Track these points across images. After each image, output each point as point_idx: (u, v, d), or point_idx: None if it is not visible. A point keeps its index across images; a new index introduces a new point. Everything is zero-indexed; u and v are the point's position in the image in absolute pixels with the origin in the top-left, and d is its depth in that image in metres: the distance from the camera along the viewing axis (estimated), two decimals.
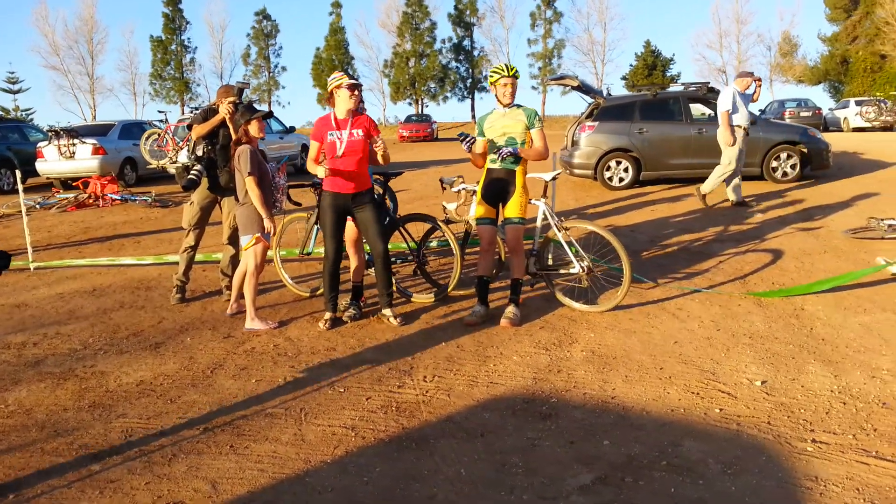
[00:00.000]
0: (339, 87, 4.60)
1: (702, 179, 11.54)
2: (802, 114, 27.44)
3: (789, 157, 10.72)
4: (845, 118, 27.60)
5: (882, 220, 6.88)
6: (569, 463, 2.92)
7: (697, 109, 11.65)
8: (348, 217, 4.78)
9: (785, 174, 10.78)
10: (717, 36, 55.16)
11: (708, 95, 11.41)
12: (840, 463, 2.84)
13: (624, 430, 3.19)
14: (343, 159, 4.60)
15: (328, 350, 4.36)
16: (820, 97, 60.90)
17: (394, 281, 5.26)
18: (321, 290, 5.52)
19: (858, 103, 26.75)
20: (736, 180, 9.02)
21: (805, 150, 10.74)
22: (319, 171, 4.46)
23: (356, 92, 4.63)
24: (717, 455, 2.93)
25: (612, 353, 4.17)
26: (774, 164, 10.76)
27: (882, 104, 29.67)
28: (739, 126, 8.84)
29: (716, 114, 11.85)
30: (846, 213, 8.35)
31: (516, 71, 4.78)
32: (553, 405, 3.48)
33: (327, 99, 4.80)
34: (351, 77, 4.65)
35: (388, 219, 5.18)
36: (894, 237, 6.65)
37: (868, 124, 27.34)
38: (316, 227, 5.58)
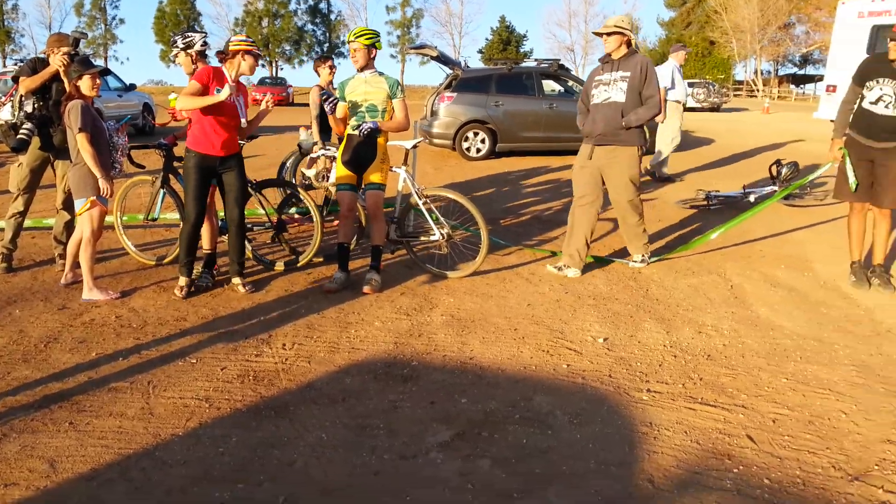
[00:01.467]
0: (249, 52, 4.41)
1: (554, 153, 12.09)
2: None
3: None
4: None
5: (709, 191, 7.61)
6: (429, 422, 3.00)
7: (549, 85, 12.16)
8: (212, 181, 4.56)
9: None
10: (567, 15, 57.78)
11: (559, 72, 11.94)
12: (671, 409, 3.15)
13: (481, 389, 3.32)
14: (227, 121, 4.40)
15: (178, 320, 4.13)
16: None
17: (249, 248, 5.09)
18: (168, 258, 5.22)
19: (691, 85, 29.19)
20: (665, 156, 9.36)
21: (644, 127, 11.56)
22: (223, 94, 4.18)
23: (258, 63, 4.55)
24: (564, 407, 3.14)
25: (471, 316, 4.31)
26: None
27: (710, 87, 32.67)
28: (678, 102, 9.09)
29: (566, 90, 12.47)
30: (678, 185, 9.14)
31: (369, 35, 4.65)
32: (414, 368, 3.54)
33: (221, 55, 4.53)
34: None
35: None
36: (718, 206, 7.39)
37: (699, 105, 29.96)
38: (162, 191, 5.23)
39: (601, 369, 3.56)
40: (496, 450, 2.78)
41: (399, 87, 4.79)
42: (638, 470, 2.66)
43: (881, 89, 4.70)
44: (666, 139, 9.20)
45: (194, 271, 4.67)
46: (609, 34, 4.94)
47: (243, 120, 4.52)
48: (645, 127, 5.18)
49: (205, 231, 4.84)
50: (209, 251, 4.88)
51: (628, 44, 4.98)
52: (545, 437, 2.88)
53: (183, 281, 4.54)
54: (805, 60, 58.07)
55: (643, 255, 5.33)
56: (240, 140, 4.99)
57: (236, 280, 4.66)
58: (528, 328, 4.12)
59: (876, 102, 4.73)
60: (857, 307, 4.55)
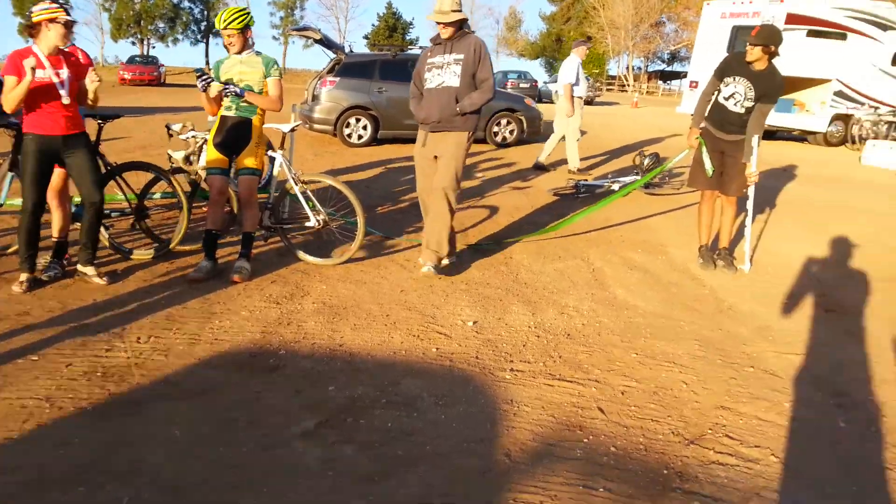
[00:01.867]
0: (53, 21, 3.97)
1: None
2: (522, 85, 30.27)
3: (509, 123, 11.81)
4: (556, 91, 31.17)
5: (578, 181, 7.97)
6: (294, 411, 2.95)
7: None
8: (55, 164, 4.19)
9: (504, 139, 11.86)
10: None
11: None
12: (532, 387, 3.28)
13: (349, 375, 3.30)
14: (56, 100, 4.03)
15: (20, 315, 3.81)
16: (537, 71, 67.94)
17: (105, 236, 4.77)
18: (14, 248, 4.79)
19: None
20: (553, 146, 9.63)
21: (522, 118, 11.92)
22: (27, 78, 3.81)
23: (71, 31, 4.12)
24: (431, 389, 3.19)
25: (343, 303, 4.27)
26: (496, 129, 11.78)
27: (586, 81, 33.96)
28: (580, 98, 9.41)
29: None
30: (551, 174, 9.49)
31: (239, 19, 4.42)
32: (281, 357, 3.47)
33: (28, 29, 4.10)
34: (65, 9, 4.06)
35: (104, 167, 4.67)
36: (587, 194, 7.74)
37: None
38: (10, 174, 4.79)
39: (469, 351, 3.64)
40: (361, 435, 2.78)
41: (275, 66, 4.64)
42: (497, 445, 2.75)
43: (735, 87, 5.08)
44: (564, 132, 9.52)
45: (40, 262, 4.32)
46: (449, 23, 4.55)
47: (63, 94, 4.07)
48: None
49: (55, 217, 4.50)
50: (59, 239, 4.53)
51: (461, 25, 4.63)
52: (411, 420, 2.92)
53: (24, 276, 4.16)
54: (673, 57, 61.84)
55: (434, 261, 4.71)
56: (89, 113, 4.64)
57: (89, 269, 4.34)
58: (400, 314, 4.15)
59: (728, 98, 5.11)
60: (703, 287, 4.93)
